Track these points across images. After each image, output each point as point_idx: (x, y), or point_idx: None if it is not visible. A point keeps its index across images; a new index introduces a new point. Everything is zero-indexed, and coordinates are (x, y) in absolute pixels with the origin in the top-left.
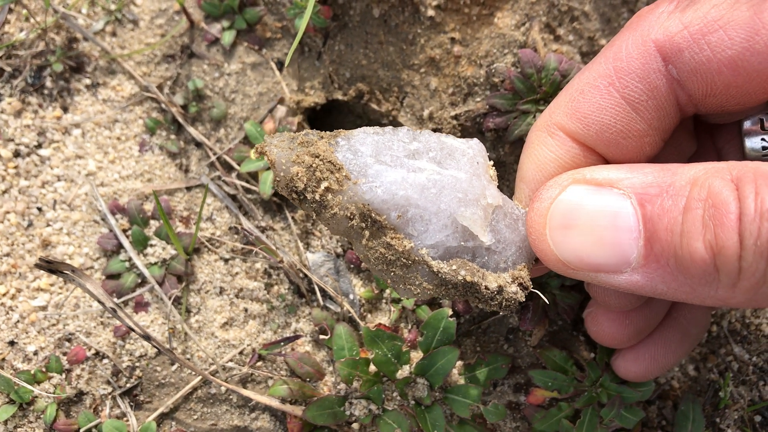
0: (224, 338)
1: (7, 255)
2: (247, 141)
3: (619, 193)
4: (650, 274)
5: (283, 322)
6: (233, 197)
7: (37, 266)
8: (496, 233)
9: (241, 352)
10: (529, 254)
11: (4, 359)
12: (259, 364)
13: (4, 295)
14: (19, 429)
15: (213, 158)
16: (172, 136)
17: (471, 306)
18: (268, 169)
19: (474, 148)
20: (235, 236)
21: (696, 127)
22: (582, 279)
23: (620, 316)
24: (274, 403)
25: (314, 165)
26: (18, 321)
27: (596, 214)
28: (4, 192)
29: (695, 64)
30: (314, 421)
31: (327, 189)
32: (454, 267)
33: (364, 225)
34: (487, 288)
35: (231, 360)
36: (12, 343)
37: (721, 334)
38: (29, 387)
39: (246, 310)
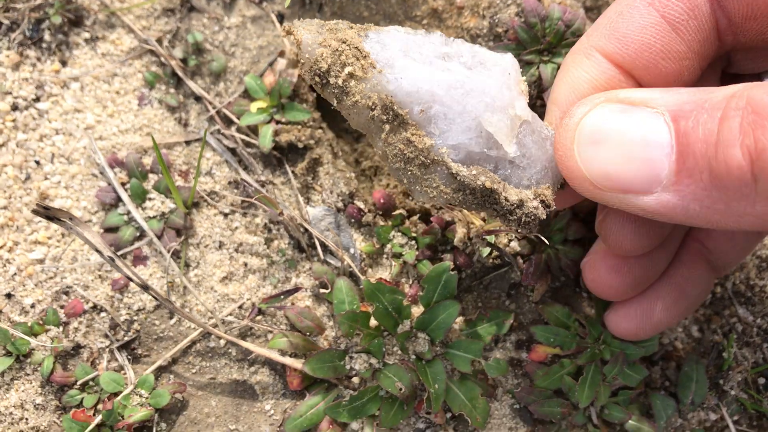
0: (223, 292)
1: (5, 208)
2: (246, 95)
3: (652, 111)
4: (682, 192)
5: (283, 276)
6: (233, 151)
7: (35, 212)
8: (522, 147)
9: (240, 307)
10: (555, 177)
11: (1, 312)
12: (258, 318)
13: (1, 247)
14: (16, 381)
15: (212, 112)
16: (172, 90)
17: (472, 260)
18: (269, 122)
19: (507, 60)
20: (235, 190)
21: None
22: (609, 202)
23: (619, 264)
24: (274, 356)
25: (340, 49)
26: (15, 274)
27: (627, 130)
28: (2, 145)
29: None
30: (314, 373)
31: (350, 74)
32: (474, 172)
33: (385, 117)
34: (506, 199)
35: (230, 314)
36: (9, 296)
37: (725, 295)
38: (26, 338)
39: (246, 264)
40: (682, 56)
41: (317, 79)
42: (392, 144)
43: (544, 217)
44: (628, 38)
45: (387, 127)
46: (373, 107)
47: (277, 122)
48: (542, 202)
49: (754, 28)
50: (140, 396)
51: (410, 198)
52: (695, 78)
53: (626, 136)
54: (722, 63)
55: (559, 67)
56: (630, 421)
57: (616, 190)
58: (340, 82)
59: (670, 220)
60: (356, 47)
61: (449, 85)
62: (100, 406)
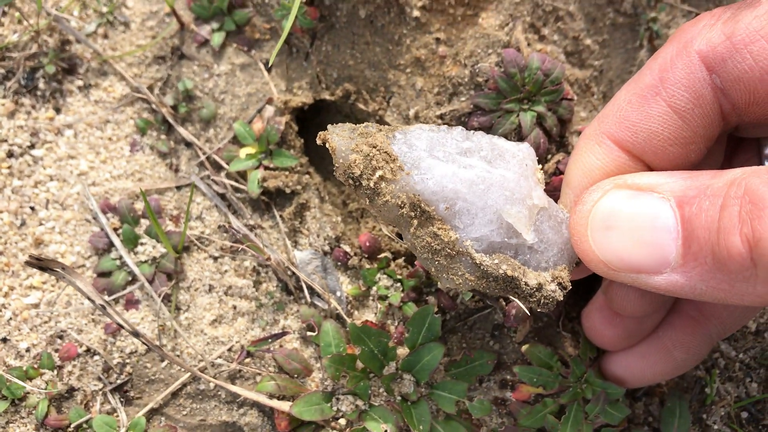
0: (213, 335)
1: (0, 254)
2: (236, 141)
3: (658, 197)
4: (689, 273)
5: (272, 319)
6: (222, 196)
7: (28, 264)
8: (540, 233)
9: (229, 349)
10: (570, 257)
11: None
12: (247, 360)
13: None
14: (11, 424)
15: (202, 158)
16: (163, 137)
17: (456, 302)
18: (257, 168)
19: (524, 151)
20: (225, 235)
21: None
22: (622, 280)
23: (613, 318)
24: (262, 399)
25: (371, 154)
26: (10, 318)
27: (636, 216)
28: None
29: (738, 73)
30: (301, 416)
31: (381, 177)
32: (496, 261)
33: (413, 214)
34: (527, 284)
35: (220, 356)
36: (5, 340)
37: None
38: (21, 383)
39: (235, 307)
40: (688, 141)
41: (351, 181)
42: (420, 237)
43: (561, 298)
44: (638, 127)
45: (415, 222)
46: (402, 205)
47: (266, 168)
48: (559, 284)
49: (758, 112)
50: None
51: (395, 241)
52: (701, 157)
53: (636, 221)
54: (728, 130)
55: (538, 115)
56: None
57: (629, 271)
58: (372, 184)
59: (679, 296)
60: (386, 152)
61: (471, 182)
62: None
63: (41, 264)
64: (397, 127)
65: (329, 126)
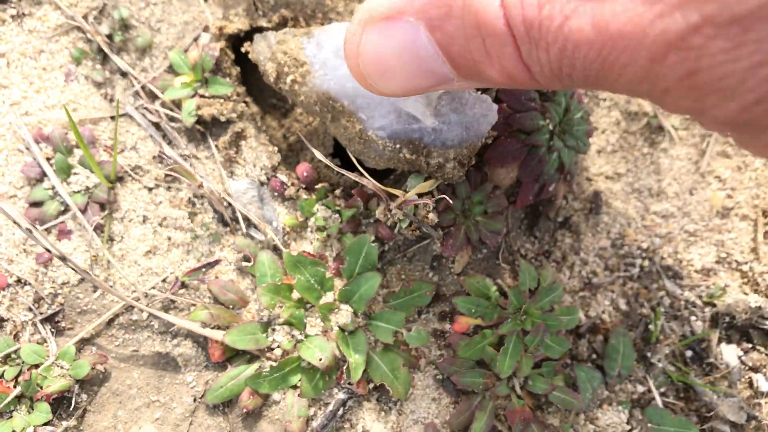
0: (147, 266)
1: None
2: (171, 70)
3: (410, 24)
4: (472, 83)
5: (207, 250)
6: (157, 126)
7: None
8: (441, 116)
9: (164, 280)
10: (477, 133)
11: None
12: (181, 291)
13: None
14: None
15: (137, 87)
16: (98, 66)
17: (395, 232)
18: (192, 97)
19: None
20: (159, 165)
21: None
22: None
23: None
24: (195, 328)
25: (283, 61)
26: None
27: (400, 53)
28: None
29: None
30: (235, 345)
31: (293, 81)
32: (398, 146)
33: (325, 109)
34: (428, 163)
35: (153, 287)
36: None
37: (654, 269)
38: None
39: (169, 238)
40: None
41: (273, 85)
42: (336, 127)
43: (462, 174)
44: None
45: (329, 116)
46: (315, 103)
47: (201, 96)
48: (459, 162)
49: None
50: (61, 368)
51: (334, 172)
52: None
53: (403, 57)
54: None
55: None
56: (554, 392)
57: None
58: (287, 87)
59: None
60: (295, 57)
61: None
62: (20, 378)
63: None
64: (314, 29)
65: (255, 36)
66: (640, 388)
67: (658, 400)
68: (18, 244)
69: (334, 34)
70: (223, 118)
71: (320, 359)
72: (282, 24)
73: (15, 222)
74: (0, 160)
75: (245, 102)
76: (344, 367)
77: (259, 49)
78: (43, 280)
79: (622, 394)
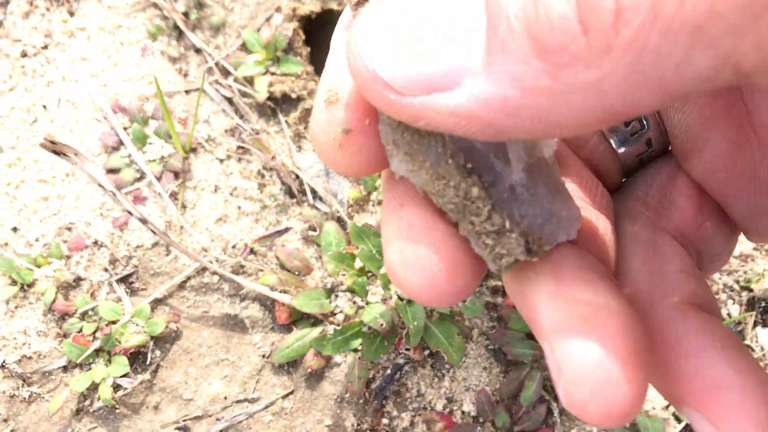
0: (218, 233)
1: (13, 148)
2: (244, 48)
3: None
4: (496, 73)
5: (275, 220)
6: (230, 101)
7: (42, 146)
8: (530, 182)
9: (233, 246)
10: (549, 234)
11: (7, 244)
12: (250, 257)
13: (8, 184)
14: (20, 309)
15: (211, 63)
16: (173, 42)
17: None
18: (264, 74)
19: None
20: (231, 138)
21: None
22: (405, 113)
23: None
24: (264, 290)
25: None
26: (21, 209)
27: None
28: (11, 89)
29: None
30: (301, 308)
31: None
32: (469, 165)
33: None
34: (489, 216)
35: (224, 252)
36: (15, 230)
37: None
38: (32, 267)
39: (239, 207)
40: None
41: None
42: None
43: (523, 259)
44: None
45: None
46: None
47: (272, 74)
48: (527, 242)
49: None
50: (136, 325)
51: None
52: None
53: (426, 14)
54: None
55: None
56: None
57: (418, 91)
58: None
59: (488, 130)
60: None
61: None
62: (98, 334)
63: (55, 148)
64: None
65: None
66: None
67: None
68: (95, 209)
69: None
70: (293, 95)
71: (381, 324)
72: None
73: (99, 184)
74: (79, 129)
75: (314, 80)
76: (403, 333)
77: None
78: (119, 243)
79: None
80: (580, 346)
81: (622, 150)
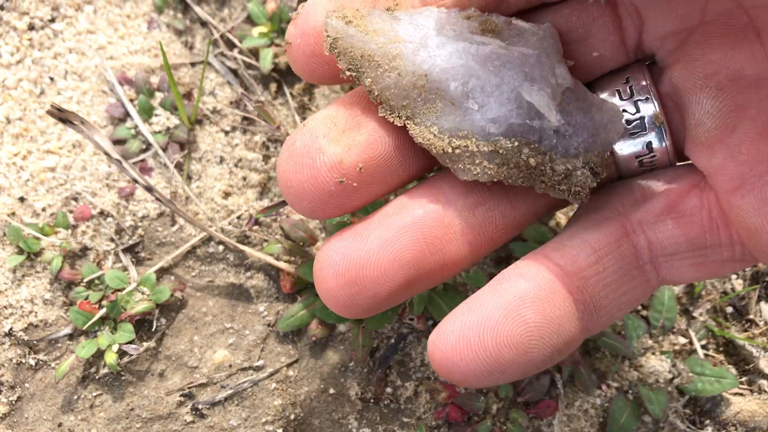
0: (223, 204)
1: (20, 119)
2: (249, 20)
3: None
4: None
5: (280, 192)
6: (235, 72)
7: (49, 113)
8: (566, 115)
9: (238, 217)
10: (603, 144)
11: (14, 213)
12: (255, 228)
13: (15, 155)
14: (26, 277)
15: (216, 36)
16: (179, 15)
17: None
18: (269, 46)
19: (546, 30)
20: (236, 110)
21: None
22: None
23: None
24: (269, 259)
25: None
26: (28, 180)
27: None
28: (19, 62)
29: None
30: (306, 277)
31: (377, 65)
32: (516, 144)
33: (423, 96)
34: (553, 170)
35: (229, 223)
36: (22, 200)
37: None
38: (39, 236)
39: (244, 179)
40: None
41: (352, 74)
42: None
43: (594, 185)
44: None
45: (425, 106)
46: (411, 87)
47: (277, 46)
48: (591, 169)
49: None
50: (142, 293)
51: None
52: None
53: None
54: None
55: None
56: (603, 338)
57: None
58: (367, 83)
59: None
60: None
61: (485, 58)
62: (104, 302)
63: (62, 115)
64: (401, 9)
65: (329, 13)
66: (682, 340)
67: (700, 352)
68: (101, 179)
69: (430, 16)
70: None
71: None
72: None
73: (105, 153)
74: (86, 100)
75: None
76: (407, 303)
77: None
78: (124, 213)
79: (665, 344)
80: None
81: (618, 147)
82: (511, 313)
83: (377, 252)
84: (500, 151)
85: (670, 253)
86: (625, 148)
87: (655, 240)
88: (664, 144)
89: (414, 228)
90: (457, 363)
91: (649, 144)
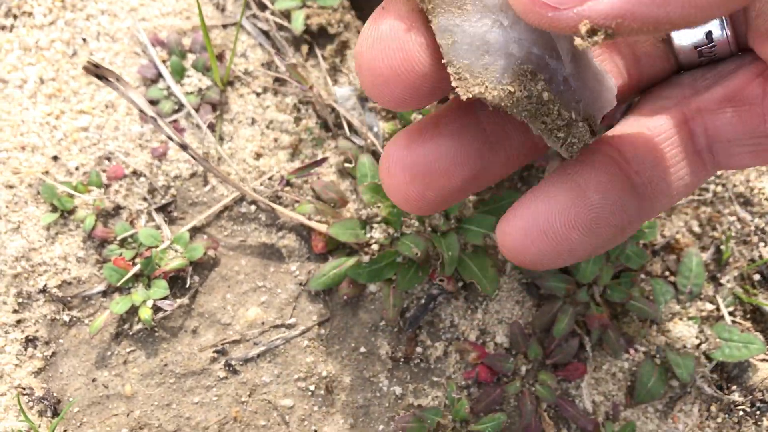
0: (255, 165)
1: (53, 80)
2: None
3: None
4: None
5: (311, 153)
6: (266, 34)
7: (86, 69)
8: (577, 68)
9: (270, 178)
10: (599, 110)
11: (47, 172)
12: (287, 189)
13: (48, 115)
14: (60, 235)
15: None
16: None
17: None
18: (301, 8)
19: None
20: (268, 71)
21: None
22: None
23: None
24: (302, 219)
25: None
26: (61, 139)
27: None
28: (51, 23)
29: None
30: (338, 237)
31: None
32: (533, 67)
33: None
34: (559, 113)
35: (261, 184)
36: (55, 158)
37: (726, 195)
38: (72, 193)
39: (276, 140)
40: None
41: None
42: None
43: (590, 142)
44: None
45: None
46: None
47: (309, 7)
48: (589, 126)
49: None
50: (175, 251)
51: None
52: None
53: None
54: None
55: None
56: (631, 302)
57: (574, 3)
58: None
59: (647, 24)
60: None
61: None
62: (137, 259)
63: (98, 71)
64: None
65: None
66: (709, 306)
67: (727, 318)
68: (134, 139)
69: None
70: (330, 29)
71: (416, 252)
72: None
73: (140, 109)
74: (118, 62)
75: (351, 14)
76: (437, 264)
77: None
78: (157, 173)
79: (693, 310)
80: None
81: (677, 38)
82: (578, 198)
83: (448, 142)
84: (513, 76)
85: (728, 140)
86: (684, 38)
87: (713, 127)
88: (724, 34)
89: (477, 125)
90: (528, 246)
91: (709, 34)
